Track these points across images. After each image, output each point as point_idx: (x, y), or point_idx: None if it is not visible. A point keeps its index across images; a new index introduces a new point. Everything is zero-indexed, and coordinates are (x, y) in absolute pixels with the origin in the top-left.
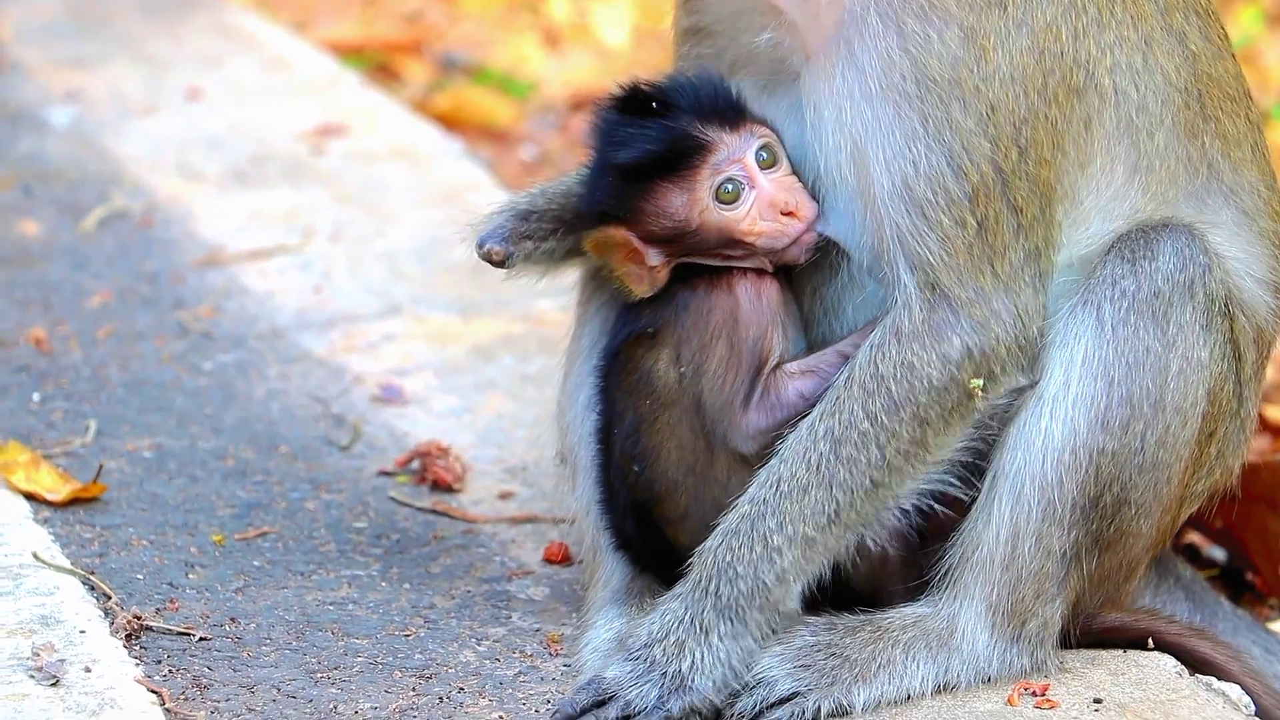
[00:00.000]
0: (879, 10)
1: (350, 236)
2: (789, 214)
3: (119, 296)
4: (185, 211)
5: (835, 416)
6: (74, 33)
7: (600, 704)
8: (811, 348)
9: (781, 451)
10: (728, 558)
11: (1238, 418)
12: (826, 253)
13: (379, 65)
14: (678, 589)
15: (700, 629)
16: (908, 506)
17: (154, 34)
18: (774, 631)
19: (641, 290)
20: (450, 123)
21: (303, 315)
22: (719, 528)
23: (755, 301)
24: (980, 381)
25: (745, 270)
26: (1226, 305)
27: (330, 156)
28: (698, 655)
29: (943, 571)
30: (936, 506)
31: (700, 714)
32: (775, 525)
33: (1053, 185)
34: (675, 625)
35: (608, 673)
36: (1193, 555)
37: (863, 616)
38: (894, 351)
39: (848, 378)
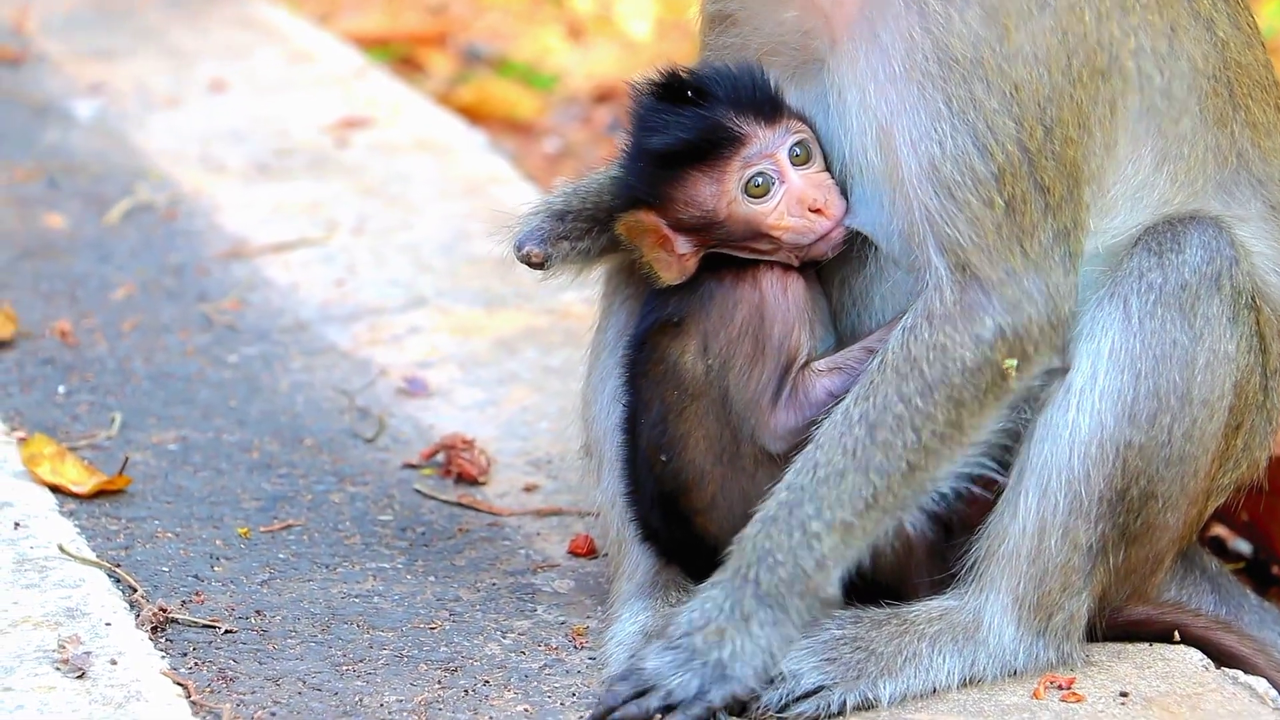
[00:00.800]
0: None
1: (374, 229)
2: (817, 211)
3: (143, 289)
4: (209, 204)
5: (870, 400)
6: (98, 25)
7: (640, 694)
8: (840, 339)
9: (817, 437)
10: (767, 545)
11: (1264, 410)
12: (854, 244)
13: (403, 57)
14: (717, 576)
15: (741, 616)
16: (945, 490)
17: (178, 26)
18: (815, 618)
19: (670, 277)
20: (474, 115)
21: (327, 308)
22: (757, 515)
23: (781, 297)
24: (1014, 361)
25: (772, 264)
26: (1253, 298)
27: (354, 149)
28: (738, 643)
29: (969, 565)
30: (974, 488)
31: (741, 703)
32: (813, 511)
33: (1079, 165)
34: (716, 613)
35: (647, 663)
36: (1218, 549)
37: (889, 610)
38: (926, 334)
39: (881, 362)
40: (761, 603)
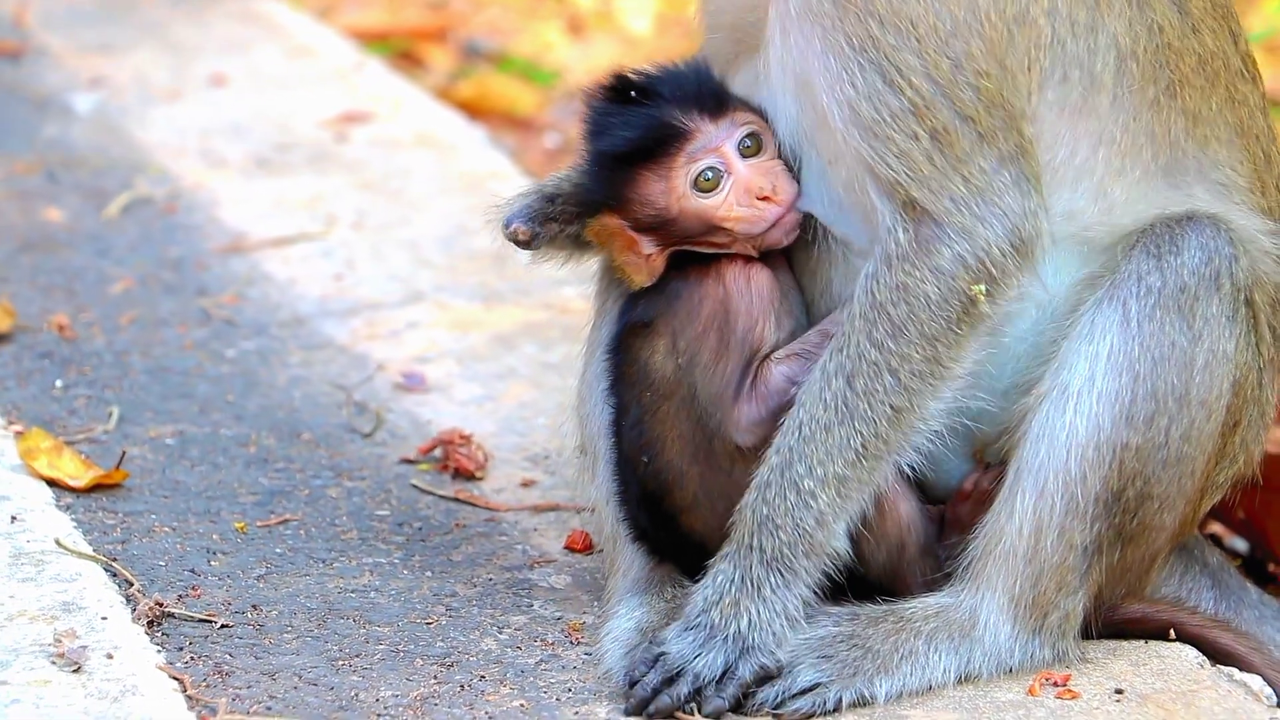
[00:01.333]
0: None
1: (373, 224)
2: (765, 198)
3: (142, 283)
4: (209, 198)
5: (844, 353)
6: (99, 18)
7: (670, 681)
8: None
9: (800, 398)
10: (764, 510)
11: (1259, 403)
12: (815, 231)
13: (403, 52)
14: (724, 549)
15: (752, 585)
16: (938, 427)
17: (179, 20)
18: (824, 575)
19: (640, 279)
20: (474, 110)
21: (325, 303)
22: (753, 482)
23: (745, 290)
24: (982, 287)
25: (735, 258)
26: (1250, 292)
27: (354, 144)
28: (754, 611)
29: (965, 563)
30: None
31: (770, 674)
32: (805, 470)
33: (1005, 98)
34: (728, 586)
35: (670, 647)
36: (1215, 546)
37: (885, 607)
38: (886, 276)
39: (849, 313)
40: (769, 569)
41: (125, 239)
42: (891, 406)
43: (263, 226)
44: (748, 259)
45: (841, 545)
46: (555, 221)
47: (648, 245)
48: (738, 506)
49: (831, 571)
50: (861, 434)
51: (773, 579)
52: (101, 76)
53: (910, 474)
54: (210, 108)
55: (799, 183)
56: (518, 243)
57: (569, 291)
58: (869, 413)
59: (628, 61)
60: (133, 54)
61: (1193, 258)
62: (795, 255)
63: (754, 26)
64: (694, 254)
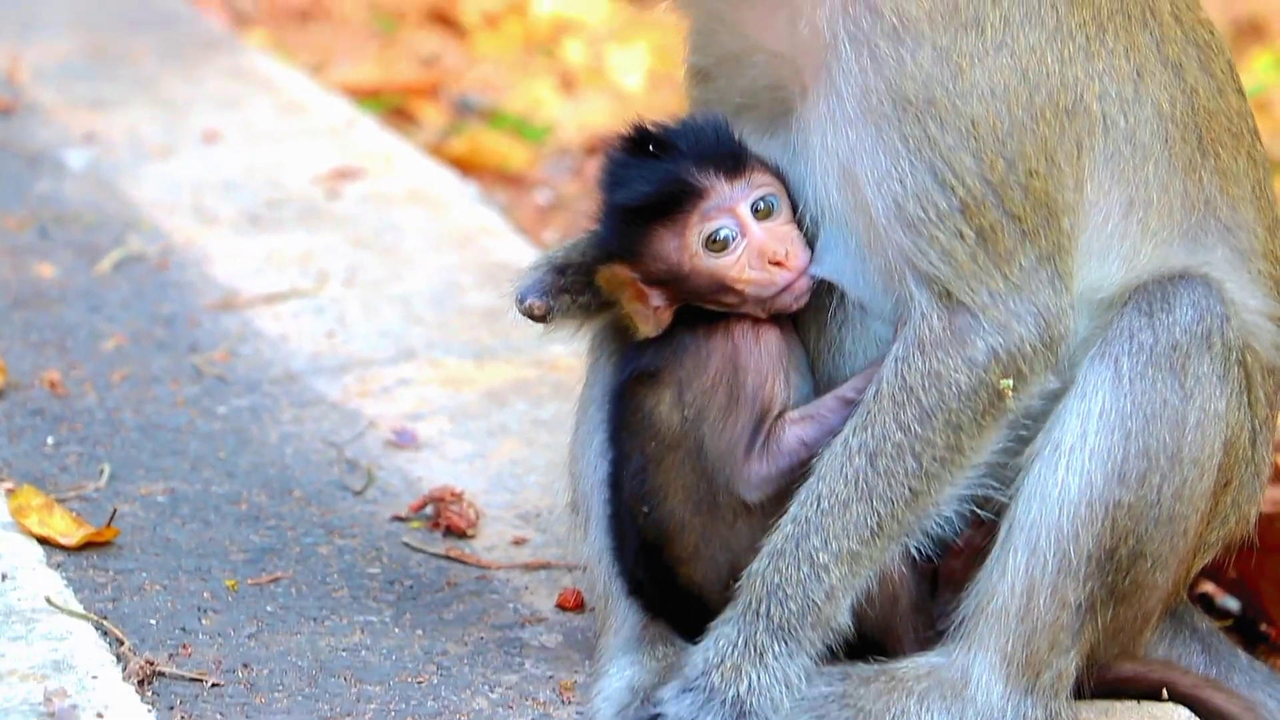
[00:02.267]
0: (849, 34)
1: (365, 280)
2: (778, 263)
3: (134, 340)
4: (201, 254)
5: (868, 430)
6: (92, 74)
7: None
8: (818, 386)
9: (818, 469)
10: (775, 579)
11: (1252, 464)
12: (826, 291)
13: (395, 108)
14: (727, 614)
15: (755, 651)
16: (949, 513)
17: (171, 76)
18: (828, 648)
19: (647, 330)
20: (466, 166)
21: (317, 359)
22: (764, 549)
23: (754, 347)
24: (1009, 381)
25: (744, 316)
26: (1243, 353)
27: (346, 200)
28: (754, 677)
29: (957, 622)
30: (969, 531)
31: None
32: (820, 543)
33: (1051, 196)
34: (730, 650)
35: (667, 708)
36: (1207, 606)
37: (876, 666)
38: (919, 361)
39: (876, 392)
40: (774, 636)
41: (117, 295)
42: (910, 489)
43: (255, 283)
44: (757, 318)
45: (845, 620)
46: (567, 293)
47: (657, 298)
48: (746, 570)
49: (833, 644)
50: (879, 513)
51: (776, 646)
52: (94, 132)
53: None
54: (202, 164)
55: (813, 249)
56: (533, 317)
57: (560, 349)
58: (887, 493)
59: (619, 118)
60: (125, 110)
61: (1185, 315)
62: (805, 312)
63: (777, 101)
64: (702, 309)
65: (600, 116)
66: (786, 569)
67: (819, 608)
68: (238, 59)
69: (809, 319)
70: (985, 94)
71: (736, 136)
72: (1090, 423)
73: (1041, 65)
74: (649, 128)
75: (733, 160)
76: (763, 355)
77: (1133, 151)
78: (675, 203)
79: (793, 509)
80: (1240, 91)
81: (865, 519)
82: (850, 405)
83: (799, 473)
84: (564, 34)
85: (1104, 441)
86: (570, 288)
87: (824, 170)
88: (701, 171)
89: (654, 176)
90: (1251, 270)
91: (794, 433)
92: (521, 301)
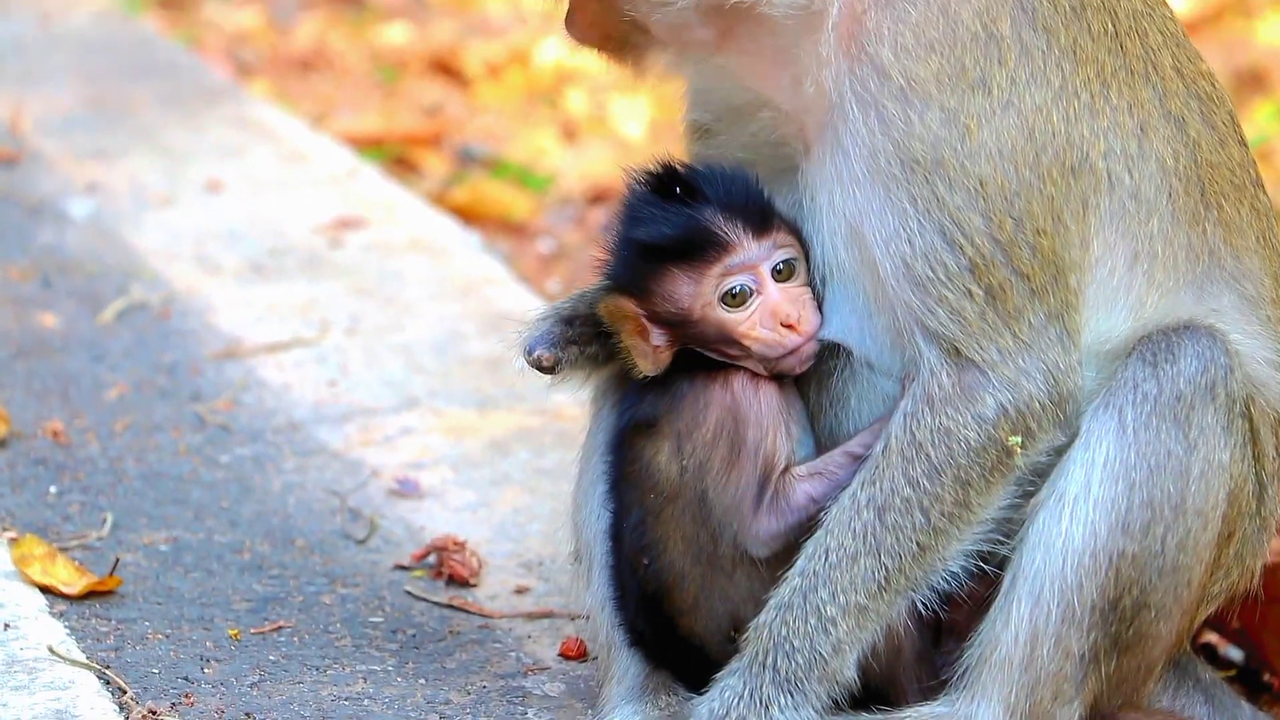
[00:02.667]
0: (856, 95)
1: (367, 329)
2: (789, 326)
3: (136, 389)
4: (203, 304)
5: (876, 485)
6: (94, 124)
7: None
8: (818, 440)
9: (826, 523)
10: (783, 631)
11: (1258, 517)
12: (829, 350)
13: (397, 158)
14: (733, 665)
15: (760, 703)
16: (956, 568)
17: (174, 126)
18: (834, 700)
19: (645, 367)
20: (468, 216)
21: (319, 408)
22: (771, 602)
23: (754, 400)
24: (1018, 439)
25: (743, 367)
26: (1247, 405)
27: (348, 249)
28: None
29: (960, 671)
30: (971, 584)
31: None
32: (828, 596)
33: (1059, 254)
34: (735, 701)
35: None
36: (1210, 656)
37: (880, 716)
38: (928, 418)
39: (885, 448)
40: (781, 689)
41: (120, 344)
42: (918, 544)
43: (257, 332)
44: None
45: (851, 674)
46: (575, 345)
47: (658, 337)
48: (753, 623)
49: (838, 697)
50: (886, 567)
51: (782, 699)
52: (96, 182)
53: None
54: (205, 213)
55: (823, 313)
56: (541, 368)
57: (562, 398)
58: (895, 547)
59: (622, 167)
60: (128, 160)
61: (1189, 366)
62: (810, 367)
63: (780, 156)
64: (702, 356)
65: (602, 166)
66: (794, 622)
67: (825, 661)
68: (240, 108)
69: (810, 374)
70: (993, 154)
71: (765, 193)
72: (1094, 473)
73: (1048, 124)
74: (677, 168)
75: (761, 217)
76: (763, 408)
77: (1137, 207)
78: (698, 250)
79: (800, 562)
80: (1243, 142)
81: (873, 573)
82: (858, 461)
83: (807, 527)
84: (566, 84)
85: (1108, 492)
86: (578, 339)
87: (831, 229)
88: (729, 224)
89: (680, 221)
90: (1260, 316)
91: (803, 489)
92: (530, 353)
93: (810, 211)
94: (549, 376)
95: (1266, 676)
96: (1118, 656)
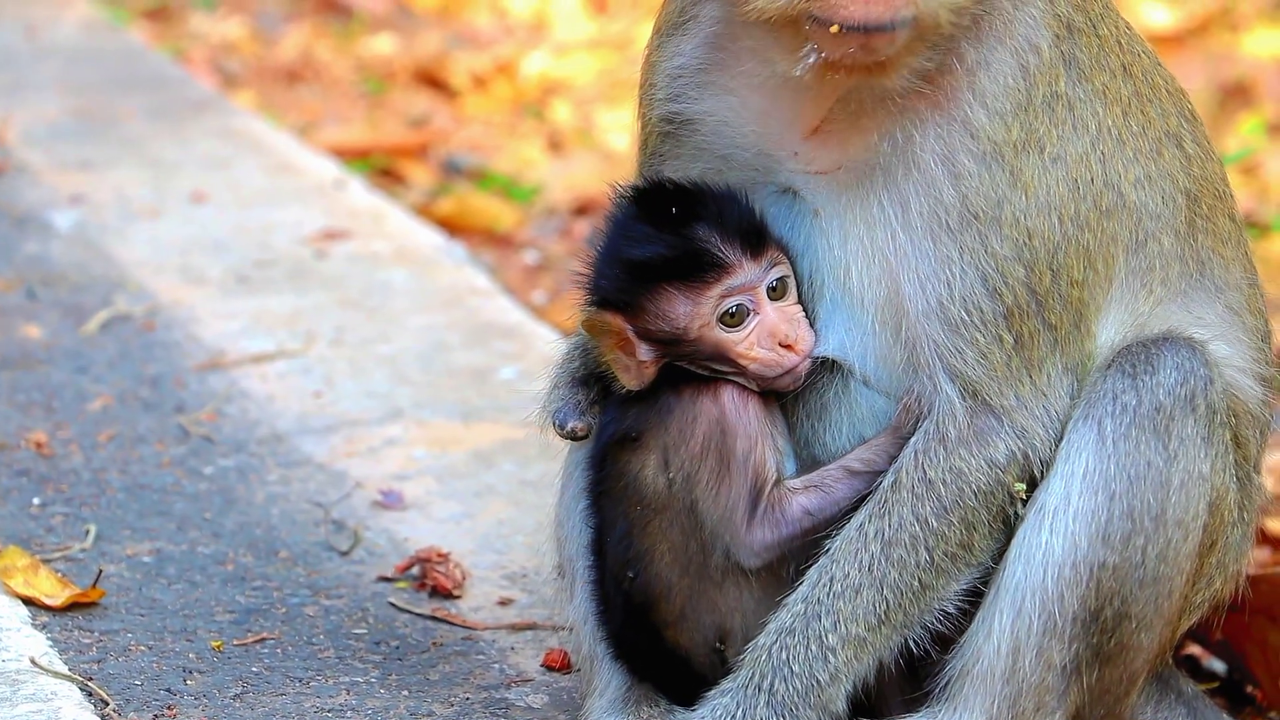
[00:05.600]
0: (935, 152)
1: (352, 340)
2: (787, 346)
3: (120, 400)
4: (188, 315)
5: (885, 519)
6: (80, 135)
7: None
8: (796, 452)
9: (831, 552)
10: (783, 655)
11: (1240, 526)
12: (817, 367)
13: (383, 170)
14: (726, 684)
15: None
16: (950, 609)
17: (160, 137)
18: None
19: (628, 381)
20: (453, 227)
21: (304, 420)
22: (771, 625)
23: (741, 412)
24: (1023, 486)
25: (730, 381)
26: (1228, 415)
27: (333, 260)
28: None
29: (943, 683)
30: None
31: None
32: (830, 625)
33: (1085, 302)
34: (727, 719)
35: None
36: (1192, 667)
37: None
38: (941, 457)
39: (895, 482)
40: (774, 712)
41: (104, 356)
42: (920, 581)
43: (242, 343)
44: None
45: (842, 706)
46: (597, 405)
47: (645, 352)
48: (751, 644)
49: None
50: (888, 601)
51: None
52: (81, 193)
53: None
54: (190, 224)
55: (815, 329)
56: (575, 439)
57: None
58: (898, 582)
59: (608, 179)
60: (113, 171)
61: (1168, 377)
62: None
63: (764, 156)
64: (688, 370)
65: (588, 177)
66: (794, 647)
67: (822, 688)
68: (226, 120)
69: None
70: (1044, 208)
71: (759, 212)
72: (1074, 484)
73: (1088, 171)
74: (668, 186)
75: (757, 237)
76: (750, 420)
77: (1155, 227)
78: (698, 271)
79: (804, 589)
80: (1218, 157)
81: (875, 606)
82: (855, 476)
83: (800, 540)
84: (552, 95)
85: (1088, 503)
86: (599, 399)
87: (849, 261)
88: (728, 244)
89: (679, 242)
90: (1246, 324)
91: (798, 502)
92: (563, 427)
93: (815, 235)
94: (578, 440)
95: (1249, 689)
96: (1099, 667)
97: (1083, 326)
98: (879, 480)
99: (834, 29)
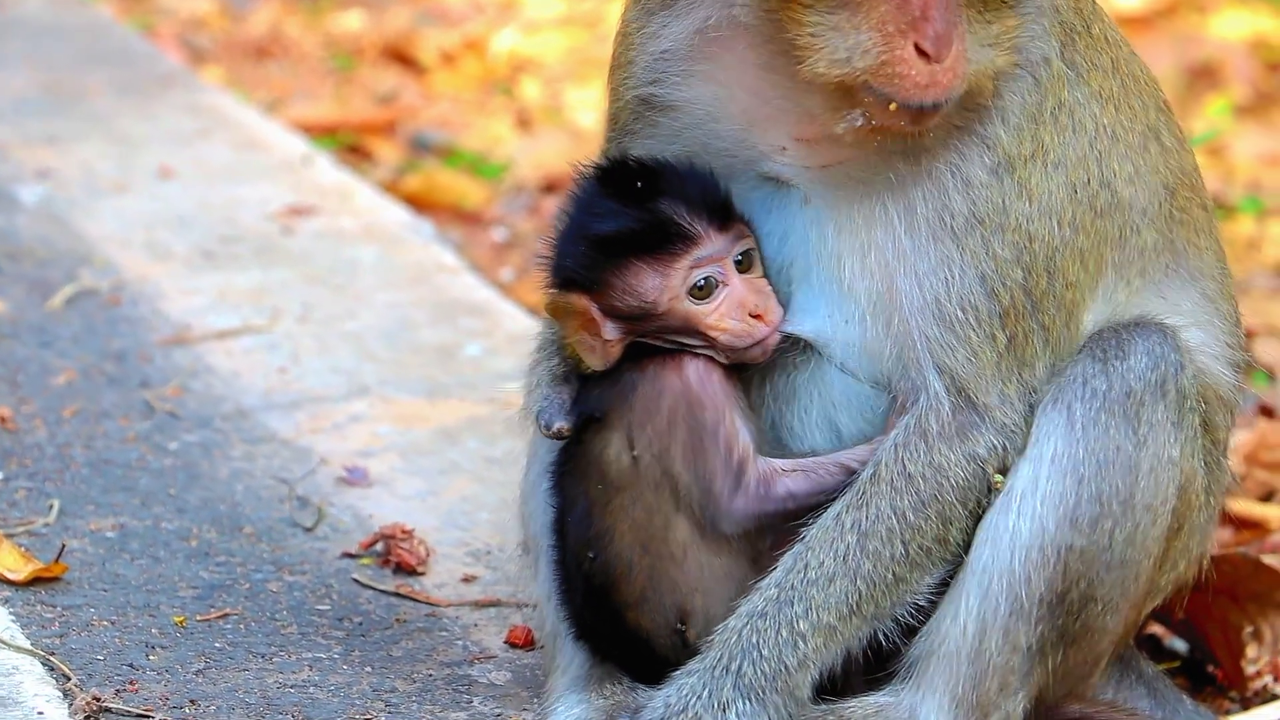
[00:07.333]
0: (950, 163)
1: (318, 317)
2: (757, 316)
3: (85, 375)
4: (154, 290)
5: (862, 510)
6: (46, 110)
7: None
8: (764, 436)
9: (807, 540)
10: (753, 639)
11: (1206, 509)
12: (787, 347)
13: (351, 146)
14: (693, 665)
15: (719, 705)
16: (922, 601)
17: (127, 112)
18: (790, 717)
19: (593, 362)
20: (421, 204)
21: (269, 396)
22: (742, 609)
23: (706, 384)
24: (1001, 478)
25: (696, 354)
26: (1198, 400)
27: (300, 236)
28: None
29: (908, 662)
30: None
31: None
32: (802, 611)
33: (1077, 302)
34: (693, 699)
35: None
36: (1154, 647)
37: (824, 706)
38: (922, 452)
39: (874, 474)
40: (741, 694)
41: (69, 331)
42: (894, 574)
43: (207, 319)
44: (709, 358)
45: (808, 694)
46: (578, 401)
47: (611, 330)
48: (721, 625)
49: (793, 713)
50: (860, 592)
51: (740, 704)
52: (48, 168)
53: None
54: (157, 200)
55: (785, 307)
56: (561, 437)
57: (513, 386)
58: (872, 574)
59: (576, 156)
60: (80, 146)
61: (1139, 363)
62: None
63: (742, 155)
64: (651, 347)
65: (557, 155)
66: (765, 630)
67: (790, 674)
68: (194, 95)
69: (754, 368)
70: (1045, 212)
71: (724, 187)
72: (1042, 468)
73: (1086, 172)
74: (631, 162)
75: (724, 211)
76: (715, 391)
77: (1141, 222)
78: (666, 244)
79: (777, 574)
80: (1189, 147)
81: (848, 596)
82: (850, 474)
83: (778, 520)
84: (521, 73)
85: (1056, 487)
86: (577, 395)
87: (847, 248)
88: (695, 216)
89: (645, 215)
90: (1220, 309)
91: (785, 484)
92: (549, 428)
93: (820, 229)
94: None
95: (1210, 668)
96: (1064, 649)
97: (1072, 325)
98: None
99: (892, 106)
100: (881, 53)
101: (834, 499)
